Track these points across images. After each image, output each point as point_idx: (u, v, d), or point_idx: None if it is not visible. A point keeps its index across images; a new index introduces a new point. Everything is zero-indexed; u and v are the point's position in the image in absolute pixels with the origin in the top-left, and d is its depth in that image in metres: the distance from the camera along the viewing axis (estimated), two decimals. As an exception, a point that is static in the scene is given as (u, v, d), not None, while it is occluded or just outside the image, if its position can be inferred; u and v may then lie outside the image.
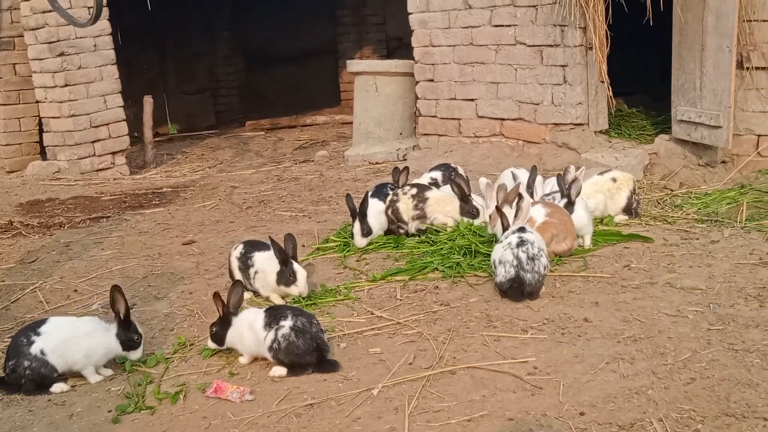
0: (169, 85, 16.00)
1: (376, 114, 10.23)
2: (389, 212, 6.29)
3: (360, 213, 6.13)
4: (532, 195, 6.12)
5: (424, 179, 6.96)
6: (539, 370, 4.04)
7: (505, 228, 5.21)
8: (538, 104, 8.68)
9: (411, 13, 9.75)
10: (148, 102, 11.59)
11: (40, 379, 4.25)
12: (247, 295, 5.31)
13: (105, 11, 10.17)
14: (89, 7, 10.15)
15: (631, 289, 5.00)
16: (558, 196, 5.95)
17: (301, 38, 16.49)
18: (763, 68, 7.27)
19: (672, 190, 7.22)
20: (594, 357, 4.12)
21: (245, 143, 13.44)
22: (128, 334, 4.39)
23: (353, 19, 16.16)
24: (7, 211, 8.54)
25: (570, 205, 5.75)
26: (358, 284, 5.48)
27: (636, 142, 8.45)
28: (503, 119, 9.11)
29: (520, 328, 4.57)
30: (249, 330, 4.30)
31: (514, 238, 4.98)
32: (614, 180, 6.36)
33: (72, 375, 4.37)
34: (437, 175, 7.00)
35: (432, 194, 6.29)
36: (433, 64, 9.67)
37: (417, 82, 9.93)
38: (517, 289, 4.89)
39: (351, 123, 10.98)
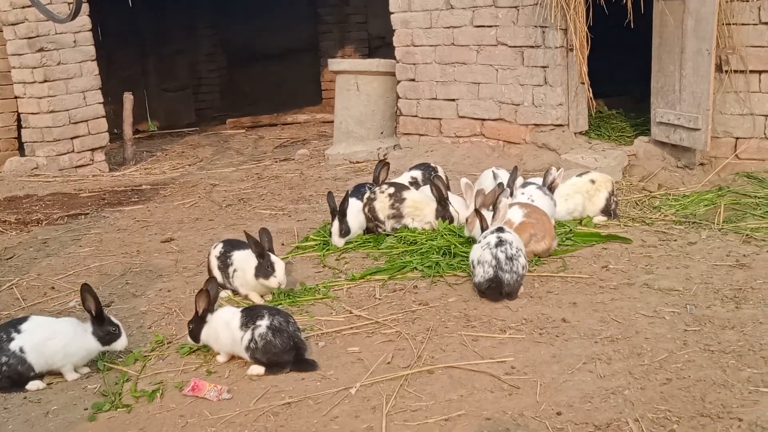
0: (150, 82, 15.90)
1: (357, 113, 10.22)
2: (366, 210, 6.30)
3: (339, 212, 6.12)
4: (511, 195, 6.15)
5: (404, 178, 6.97)
6: (517, 370, 4.05)
7: (484, 230, 5.23)
8: (518, 105, 8.71)
9: (393, 13, 9.75)
10: (128, 99, 11.51)
11: (16, 376, 4.21)
12: (225, 293, 5.30)
13: (85, 7, 10.10)
14: (69, 3, 10.08)
15: (609, 289, 5.03)
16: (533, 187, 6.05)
17: (283, 36, 16.43)
18: (742, 71, 7.33)
19: (650, 192, 7.26)
20: (571, 357, 4.14)
21: (226, 141, 13.39)
22: (104, 328, 4.35)
23: (335, 17, 16.12)
24: (-16, 208, 8.47)
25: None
26: (337, 283, 5.48)
27: (615, 144, 8.50)
28: (484, 119, 9.13)
29: (498, 328, 4.58)
30: (225, 328, 4.29)
31: (492, 238, 4.99)
32: (593, 181, 6.40)
33: (48, 373, 4.34)
34: (417, 174, 7.00)
35: (409, 195, 6.29)
36: (414, 64, 9.68)
37: (398, 82, 9.94)
38: (495, 289, 4.90)
39: (332, 122, 10.96)
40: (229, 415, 3.82)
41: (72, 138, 10.57)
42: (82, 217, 7.96)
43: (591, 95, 8.30)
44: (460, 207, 6.20)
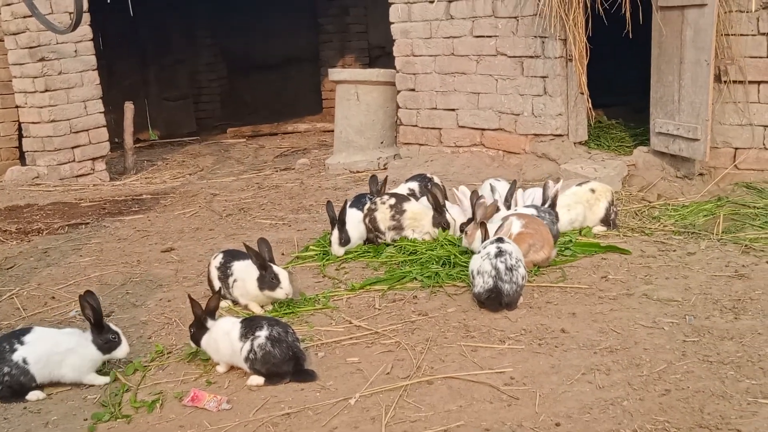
0: (151, 91, 15.93)
1: (357, 123, 10.25)
2: (367, 221, 6.31)
3: (339, 222, 6.14)
4: (509, 208, 6.18)
5: (401, 190, 6.97)
6: (516, 381, 4.06)
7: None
8: (518, 115, 8.73)
9: (393, 23, 9.78)
10: (129, 108, 11.53)
11: (18, 386, 4.22)
12: (225, 303, 5.31)
13: (86, 17, 10.13)
14: (70, 13, 10.11)
15: (608, 300, 5.03)
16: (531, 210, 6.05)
17: (283, 46, 16.49)
18: (740, 82, 7.35)
19: (650, 202, 7.27)
20: (570, 368, 4.15)
21: (226, 150, 13.42)
22: (104, 336, 4.35)
23: (336, 27, 16.17)
24: (-16, 217, 8.48)
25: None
26: (337, 293, 5.49)
27: (615, 154, 8.51)
28: (484, 129, 9.15)
29: (497, 338, 4.59)
30: (225, 339, 4.30)
31: (492, 248, 5.00)
32: (593, 191, 6.41)
33: (50, 384, 4.34)
34: (414, 185, 7.02)
35: (409, 206, 6.31)
36: (414, 74, 9.71)
37: (398, 92, 9.96)
38: (495, 300, 4.91)
39: (332, 131, 10.98)
40: (228, 426, 3.82)
41: (73, 147, 10.60)
42: (83, 226, 7.97)
43: (590, 105, 8.32)
44: (457, 215, 6.23)
